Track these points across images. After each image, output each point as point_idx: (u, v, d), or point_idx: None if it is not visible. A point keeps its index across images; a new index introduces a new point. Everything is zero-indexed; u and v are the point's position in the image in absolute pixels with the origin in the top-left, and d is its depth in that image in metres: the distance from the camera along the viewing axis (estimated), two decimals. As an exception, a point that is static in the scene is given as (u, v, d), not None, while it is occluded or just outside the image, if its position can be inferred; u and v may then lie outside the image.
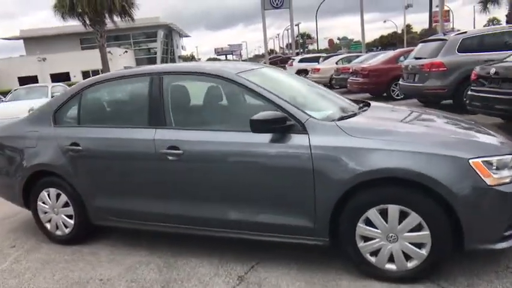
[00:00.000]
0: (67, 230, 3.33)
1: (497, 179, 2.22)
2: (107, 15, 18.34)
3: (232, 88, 2.87)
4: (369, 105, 3.21)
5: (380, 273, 2.43)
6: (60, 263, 3.08)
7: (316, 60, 19.73)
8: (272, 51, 36.29)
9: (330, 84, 14.70)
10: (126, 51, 36.61)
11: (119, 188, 3.03)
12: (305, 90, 3.35)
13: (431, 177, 2.19)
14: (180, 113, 2.91)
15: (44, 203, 3.36)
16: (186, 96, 3.06)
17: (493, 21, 62.21)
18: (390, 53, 11.71)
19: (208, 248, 3.05)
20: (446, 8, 34.84)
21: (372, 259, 2.44)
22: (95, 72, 33.01)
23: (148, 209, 2.95)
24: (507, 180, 2.24)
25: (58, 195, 3.28)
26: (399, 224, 2.32)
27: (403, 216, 2.31)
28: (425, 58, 8.13)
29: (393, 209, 2.31)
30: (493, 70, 5.75)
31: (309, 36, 63.17)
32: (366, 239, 2.42)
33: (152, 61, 43.73)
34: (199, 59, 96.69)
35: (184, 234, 3.09)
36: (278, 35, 68.71)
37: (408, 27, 65.87)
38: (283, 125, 2.48)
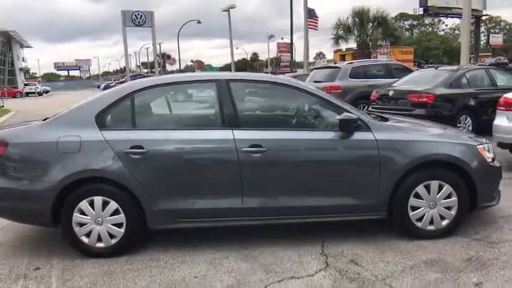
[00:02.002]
0: (113, 241, 3.11)
1: (489, 158, 3.36)
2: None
3: (294, 94, 3.34)
4: (371, 112, 4.10)
5: (425, 233, 3.26)
6: (126, 273, 2.89)
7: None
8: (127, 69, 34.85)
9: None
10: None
11: (191, 188, 3.08)
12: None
13: (461, 158, 3.19)
14: (252, 116, 3.22)
15: (83, 213, 3.07)
16: (253, 100, 3.37)
17: (320, 54, 75.04)
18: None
19: (266, 237, 3.34)
20: (288, 41, 40.60)
21: (418, 224, 3.26)
22: None
23: (223, 205, 3.10)
24: (490, 160, 3.41)
25: (105, 204, 3.07)
26: (437, 194, 3.22)
27: (439, 188, 3.22)
28: (324, 82, 9.78)
29: (434, 184, 3.20)
30: (391, 92, 7.55)
31: (169, 57, 64.02)
32: (414, 208, 3.23)
33: (-14, 72, 36.47)
34: (35, 74, 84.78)
35: (233, 228, 3.32)
36: (135, 52, 66.85)
37: (255, 55, 73.69)
38: (355, 124, 3.12)
